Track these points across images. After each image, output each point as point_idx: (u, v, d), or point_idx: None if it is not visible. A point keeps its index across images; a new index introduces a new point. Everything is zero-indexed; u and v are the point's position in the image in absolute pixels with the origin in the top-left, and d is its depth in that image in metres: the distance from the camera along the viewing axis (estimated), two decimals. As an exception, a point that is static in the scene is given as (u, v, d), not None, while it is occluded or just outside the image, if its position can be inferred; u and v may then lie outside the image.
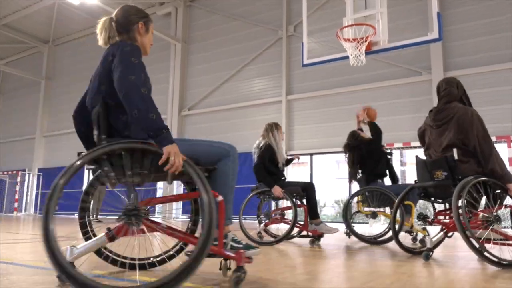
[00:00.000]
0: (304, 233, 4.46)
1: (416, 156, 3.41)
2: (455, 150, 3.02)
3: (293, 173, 12.09)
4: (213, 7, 13.94)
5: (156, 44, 14.89)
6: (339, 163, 12.39)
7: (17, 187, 16.38)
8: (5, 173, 17.37)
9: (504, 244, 2.85)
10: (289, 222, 4.30)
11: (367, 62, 5.75)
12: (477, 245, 2.61)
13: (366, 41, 5.20)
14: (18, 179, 16.32)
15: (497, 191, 2.97)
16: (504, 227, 2.89)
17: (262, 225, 4.50)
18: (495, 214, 2.83)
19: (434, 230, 3.76)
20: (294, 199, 4.15)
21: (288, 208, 4.43)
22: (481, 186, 2.86)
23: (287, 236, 4.15)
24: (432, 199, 3.38)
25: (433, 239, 3.05)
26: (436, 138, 3.22)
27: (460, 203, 2.72)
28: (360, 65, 5.41)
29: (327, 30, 10.37)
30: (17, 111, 19.29)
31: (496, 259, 2.61)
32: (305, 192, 4.39)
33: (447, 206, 3.37)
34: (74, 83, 17.37)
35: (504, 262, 2.61)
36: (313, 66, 6.35)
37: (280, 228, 4.53)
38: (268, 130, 4.46)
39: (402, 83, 10.32)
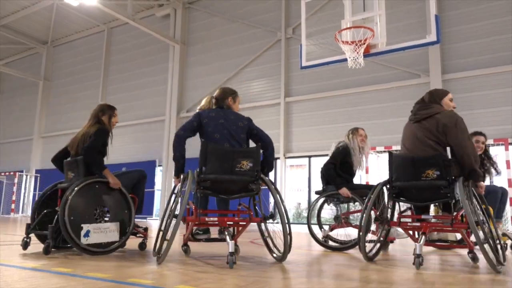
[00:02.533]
0: (369, 237, 4.10)
1: (392, 152, 3.13)
2: (448, 149, 2.90)
3: (292, 176, 12.10)
4: (211, 8, 13.95)
5: (154, 46, 14.92)
6: (337, 165, 12.39)
7: (15, 188, 16.32)
8: (3, 174, 17.30)
9: (460, 247, 3.01)
10: (357, 226, 4.03)
11: (366, 65, 5.75)
12: (489, 250, 2.57)
13: (364, 43, 5.20)
14: (16, 180, 16.25)
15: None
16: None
17: (327, 229, 4.22)
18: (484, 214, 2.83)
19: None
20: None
21: (357, 211, 4.23)
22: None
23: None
24: (403, 199, 3.07)
25: (421, 243, 2.80)
26: (415, 133, 3.05)
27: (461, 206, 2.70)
28: (358, 67, 5.41)
29: (326, 32, 10.39)
30: (15, 111, 19.24)
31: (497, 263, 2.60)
32: None
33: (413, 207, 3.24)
34: (72, 84, 17.36)
35: (499, 264, 2.61)
36: (312, 68, 6.36)
37: (342, 233, 4.26)
38: (348, 133, 4.44)
39: (400, 85, 10.34)
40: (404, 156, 2.99)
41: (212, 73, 13.53)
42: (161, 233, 2.89)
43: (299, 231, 7.90)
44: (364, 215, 3.10)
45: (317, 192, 4.39)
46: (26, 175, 17.20)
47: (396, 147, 9.93)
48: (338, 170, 4.24)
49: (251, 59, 12.74)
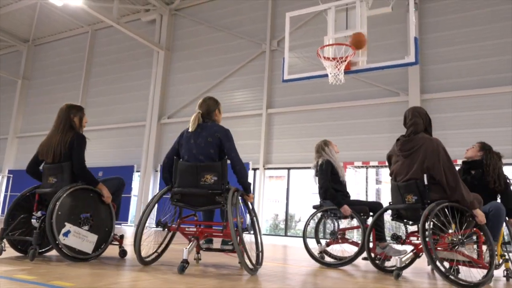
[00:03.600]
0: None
1: (392, 181, 3.51)
2: (425, 176, 3.13)
3: (270, 187, 12.11)
4: (198, 16, 13.98)
5: (139, 51, 14.81)
6: (316, 179, 12.45)
7: (-15, 188, 15.80)
8: (-27, 173, 16.75)
9: (471, 266, 2.94)
10: (354, 242, 4.15)
11: (347, 81, 5.84)
12: (441, 267, 2.68)
13: (345, 60, 5.29)
14: (-13, 180, 15.74)
15: (467, 215, 3.10)
16: (470, 250, 2.99)
17: (324, 244, 4.21)
18: (460, 236, 2.93)
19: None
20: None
21: (355, 227, 4.24)
22: (449, 210, 2.97)
23: (356, 258, 3.89)
24: (404, 220, 3.49)
25: (403, 259, 3.19)
26: (402, 167, 3.33)
27: (427, 227, 2.81)
28: (338, 83, 5.49)
29: (310, 46, 10.52)
30: (-10, 109, 18.71)
31: (462, 282, 2.71)
32: (372, 212, 4.19)
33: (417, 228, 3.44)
34: (52, 84, 17.02)
35: (464, 283, 2.71)
36: (294, 81, 6.41)
37: (338, 249, 4.21)
38: (320, 148, 4.46)
39: (380, 102, 10.54)
40: (393, 184, 3.49)
41: (195, 81, 13.50)
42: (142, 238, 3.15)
43: (275, 243, 7.88)
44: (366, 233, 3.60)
45: (314, 207, 4.37)
46: (-2, 175, 16.70)
47: (374, 163, 10.09)
48: (338, 186, 4.26)
49: (235, 69, 12.78)
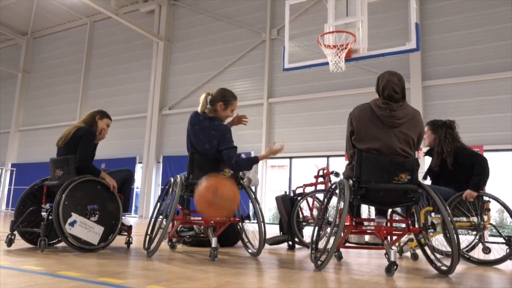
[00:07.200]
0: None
1: (365, 152, 2.82)
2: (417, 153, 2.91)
3: (273, 177, 12.14)
4: (197, 6, 13.88)
5: (138, 42, 14.74)
6: (318, 167, 12.48)
7: (-11, 182, 15.89)
8: (-23, 167, 16.83)
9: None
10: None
11: (348, 68, 5.82)
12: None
13: (346, 48, 5.27)
14: (-10, 174, 15.83)
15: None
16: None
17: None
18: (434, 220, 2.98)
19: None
20: None
21: None
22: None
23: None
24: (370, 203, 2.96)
25: (398, 250, 3.07)
26: (394, 136, 2.82)
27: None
28: (339, 71, 5.48)
29: (311, 34, 10.43)
30: (-9, 104, 18.72)
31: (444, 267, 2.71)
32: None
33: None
34: (52, 77, 17.00)
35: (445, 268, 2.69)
36: (295, 70, 6.40)
37: None
38: None
39: (381, 90, 10.50)
40: (381, 159, 2.77)
41: (195, 71, 13.46)
42: (154, 230, 3.35)
43: (277, 232, 7.91)
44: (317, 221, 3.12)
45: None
46: (2, 169, 16.76)
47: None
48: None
49: (235, 58, 12.72)
